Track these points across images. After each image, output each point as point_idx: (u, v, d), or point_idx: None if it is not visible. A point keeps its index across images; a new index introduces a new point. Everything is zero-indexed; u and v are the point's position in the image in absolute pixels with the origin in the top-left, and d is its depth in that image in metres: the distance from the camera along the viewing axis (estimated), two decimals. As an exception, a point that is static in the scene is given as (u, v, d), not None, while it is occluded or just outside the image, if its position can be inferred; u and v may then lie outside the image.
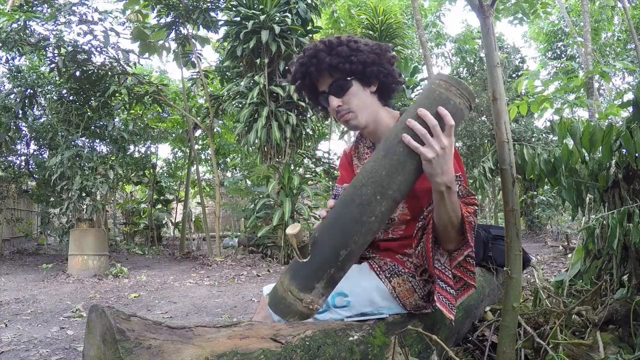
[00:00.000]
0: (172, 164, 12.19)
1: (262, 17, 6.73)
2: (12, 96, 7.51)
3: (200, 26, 8.14)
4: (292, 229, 1.00)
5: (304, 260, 1.04)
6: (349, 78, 1.30)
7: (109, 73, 7.50)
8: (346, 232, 1.01)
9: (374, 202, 1.01)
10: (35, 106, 7.86)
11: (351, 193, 1.05)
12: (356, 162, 1.55)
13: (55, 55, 6.89)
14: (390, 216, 1.15)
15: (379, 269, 1.35)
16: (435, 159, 0.99)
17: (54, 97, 7.65)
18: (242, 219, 10.30)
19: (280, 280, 1.08)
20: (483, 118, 10.95)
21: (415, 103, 1.07)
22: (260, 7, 7.03)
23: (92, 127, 7.92)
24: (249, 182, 11.24)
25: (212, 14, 8.08)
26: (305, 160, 9.55)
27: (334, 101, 1.31)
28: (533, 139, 10.11)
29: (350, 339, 1.14)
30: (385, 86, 1.37)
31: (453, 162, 1.06)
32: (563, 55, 14.20)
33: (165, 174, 11.64)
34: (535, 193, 8.42)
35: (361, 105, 1.33)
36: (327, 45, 1.31)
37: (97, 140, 8.33)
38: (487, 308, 2.08)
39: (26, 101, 7.46)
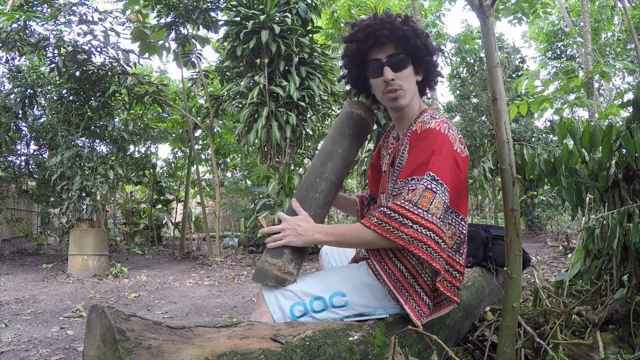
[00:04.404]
0: (172, 164, 12.19)
1: (262, 17, 6.73)
2: (12, 96, 7.50)
3: (200, 26, 8.14)
4: (262, 216, 1.41)
5: None
6: (407, 58, 1.35)
7: (109, 73, 7.49)
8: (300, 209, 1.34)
9: (316, 183, 1.39)
10: (35, 106, 7.86)
11: (302, 181, 1.44)
12: (383, 152, 1.59)
13: (55, 55, 6.89)
14: (332, 197, 1.42)
15: (376, 270, 1.35)
16: (291, 237, 1.27)
17: (54, 97, 7.64)
18: (242, 219, 10.30)
19: (260, 259, 1.33)
20: (483, 118, 10.95)
21: (338, 117, 1.52)
22: (260, 7, 7.03)
23: (92, 127, 7.92)
24: (249, 182, 11.24)
25: (212, 14, 8.07)
26: (306, 160, 9.56)
27: (390, 73, 1.33)
28: (533, 139, 10.10)
29: (350, 339, 1.14)
30: (427, 80, 1.43)
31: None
32: (563, 55, 14.19)
33: (165, 174, 11.63)
34: (535, 193, 8.42)
35: (411, 87, 1.38)
36: (403, 18, 1.34)
37: (97, 140, 8.32)
38: (487, 308, 2.08)
39: (26, 101, 7.45)
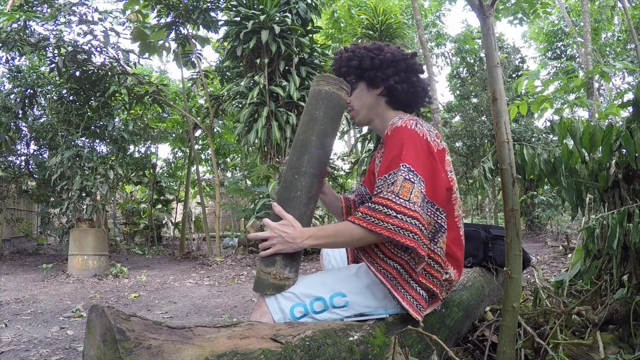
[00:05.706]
0: (172, 164, 12.19)
1: (262, 17, 6.73)
2: (12, 96, 7.50)
3: (200, 26, 8.14)
4: (249, 224, 1.43)
5: None
6: (354, 80, 1.51)
7: (109, 73, 7.49)
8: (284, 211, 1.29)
9: (295, 181, 1.30)
10: (35, 106, 7.86)
11: (281, 180, 1.35)
12: (377, 162, 1.61)
13: (55, 55, 6.89)
14: (315, 190, 1.34)
15: (376, 270, 1.35)
16: (279, 245, 1.24)
17: (54, 97, 7.64)
18: (242, 219, 10.30)
19: (257, 268, 1.32)
20: (483, 118, 10.94)
21: (308, 99, 1.42)
22: (260, 7, 7.03)
23: (92, 127, 7.91)
24: (249, 182, 11.23)
25: (212, 14, 8.07)
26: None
27: (348, 99, 1.50)
28: (533, 139, 10.10)
29: (350, 339, 1.14)
30: (391, 91, 1.49)
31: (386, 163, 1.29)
32: (563, 55, 14.20)
33: (165, 174, 11.63)
34: (535, 193, 8.42)
35: (361, 105, 1.52)
36: (342, 54, 1.54)
37: (97, 140, 8.32)
38: (487, 308, 2.08)
39: (26, 101, 7.45)
